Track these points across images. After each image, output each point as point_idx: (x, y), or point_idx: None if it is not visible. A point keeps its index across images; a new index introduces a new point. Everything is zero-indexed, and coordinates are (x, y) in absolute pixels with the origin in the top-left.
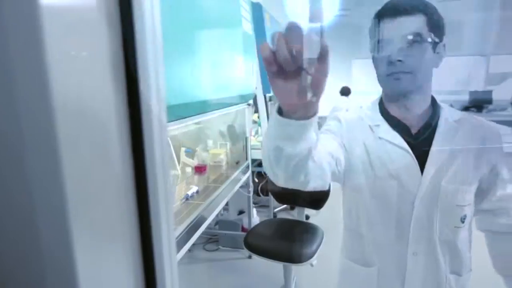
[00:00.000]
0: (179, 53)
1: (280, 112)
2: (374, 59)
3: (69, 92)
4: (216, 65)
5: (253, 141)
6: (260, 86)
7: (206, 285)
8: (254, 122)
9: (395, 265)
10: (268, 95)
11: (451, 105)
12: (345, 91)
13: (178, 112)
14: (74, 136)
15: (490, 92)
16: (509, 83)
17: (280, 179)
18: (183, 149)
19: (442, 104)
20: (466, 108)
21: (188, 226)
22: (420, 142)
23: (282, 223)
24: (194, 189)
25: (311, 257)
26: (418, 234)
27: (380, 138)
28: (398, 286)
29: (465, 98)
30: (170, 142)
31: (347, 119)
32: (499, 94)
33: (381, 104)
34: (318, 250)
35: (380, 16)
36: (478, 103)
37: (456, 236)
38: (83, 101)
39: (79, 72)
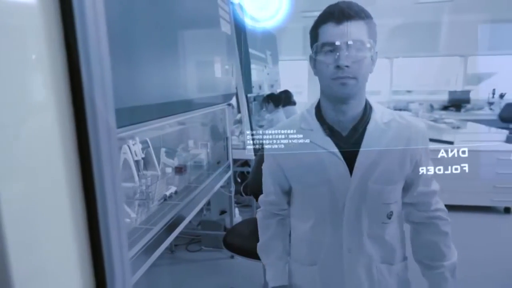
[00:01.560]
0: (153, 54)
1: None
2: (317, 62)
3: (6, 95)
4: (192, 65)
5: (236, 141)
6: (241, 87)
7: (188, 286)
8: (239, 122)
9: (334, 262)
10: (250, 95)
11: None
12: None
13: (151, 112)
14: (11, 139)
15: (468, 92)
16: (487, 84)
17: None
18: (163, 149)
19: (375, 106)
20: (445, 108)
21: (164, 226)
22: (350, 145)
23: None
24: (172, 189)
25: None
26: (350, 232)
27: (311, 142)
28: (338, 281)
29: (445, 97)
30: (149, 142)
31: (278, 129)
32: (477, 94)
33: (317, 108)
34: None
35: (325, 19)
36: (456, 103)
37: (384, 231)
38: (21, 104)
39: (16, 75)
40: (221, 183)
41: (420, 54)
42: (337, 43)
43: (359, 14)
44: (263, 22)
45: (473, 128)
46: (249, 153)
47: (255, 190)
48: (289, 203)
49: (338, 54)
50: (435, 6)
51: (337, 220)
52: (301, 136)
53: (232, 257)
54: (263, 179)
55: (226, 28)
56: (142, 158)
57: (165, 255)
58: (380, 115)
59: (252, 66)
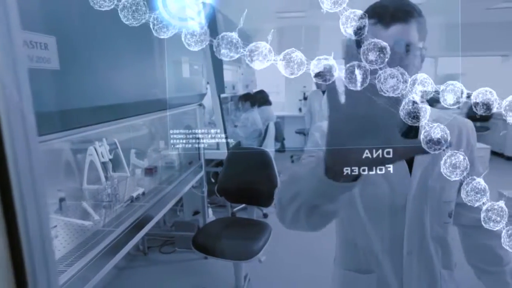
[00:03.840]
0: (118, 55)
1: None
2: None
3: None
4: (158, 66)
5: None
6: (214, 87)
7: None
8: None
9: (392, 268)
10: (222, 95)
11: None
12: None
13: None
14: None
15: (438, 92)
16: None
17: (293, 226)
18: (133, 150)
19: (429, 108)
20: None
21: (127, 228)
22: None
23: (230, 221)
24: (140, 190)
25: (257, 253)
26: (411, 234)
27: None
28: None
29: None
30: (117, 143)
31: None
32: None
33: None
34: (266, 246)
35: (369, 19)
36: (428, 102)
37: (446, 232)
38: None
39: None
40: (192, 183)
41: None
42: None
43: (410, 14)
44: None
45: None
46: (222, 153)
47: (225, 189)
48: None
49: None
50: None
51: (396, 223)
52: None
53: (205, 257)
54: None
55: (195, 28)
56: (110, 160)
57: (138, 257)
58: (436, 116)
59: (226, 66)
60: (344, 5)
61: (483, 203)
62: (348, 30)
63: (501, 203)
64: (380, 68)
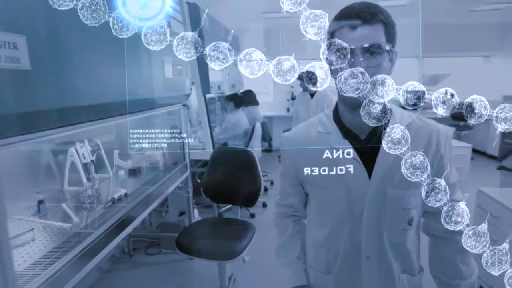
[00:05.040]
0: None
1: None
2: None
3: None
4: (139, 67)
5: (194, 142)
6: (199, 87)
7: None
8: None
9: (352, 271)
10: (209, 95)
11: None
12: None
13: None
14: None
15: (423, 92)
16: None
17: None
18: (116, 151)
19: (395, 109)
20: (403, 107)
21: (107, 229)
22: (368, 148)
23: (214, 222)
24: (122, 191)
25: (240, 253)
26: (369, 238)
27: (329, 146)
28: None
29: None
30: (100, 144)
31: (296, 134)
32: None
33: (336, 111)
34: (249, 246)
35: (340, 21)
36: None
37: (405, 238)
38: None
39: None
40: (176, 184)
41: None
42: (352, 47)
43: (377, 17)
44: (146, 21)
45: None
46: (208, 153)
47: (209, 190)
48: (305, 205)
49: (353, 59)
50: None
51: (355, 226)
52: (319, 139)
53: (191, 258)
54: (280, 183)
55: (178, 28)
56: (92, 161)
57: (123, 259)
58: (399, 117)
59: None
60: (304, 5)
61: (444, 203)
62: (308, 30)
63: (462, 204)
64: (341, 69)
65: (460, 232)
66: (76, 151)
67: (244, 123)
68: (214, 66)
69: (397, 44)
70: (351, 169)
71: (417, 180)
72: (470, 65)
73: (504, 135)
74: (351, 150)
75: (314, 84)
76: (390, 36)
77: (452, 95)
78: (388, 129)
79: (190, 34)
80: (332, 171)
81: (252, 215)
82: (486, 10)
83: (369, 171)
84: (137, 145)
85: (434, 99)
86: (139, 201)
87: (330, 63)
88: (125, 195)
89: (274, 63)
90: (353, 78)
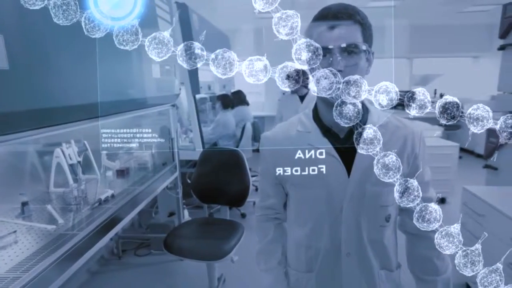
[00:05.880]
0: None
1: None
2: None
3: None
4: (126, 67)
5: (184, 142)
6: (188, 88)
7: None
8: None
9: (332, 268)
10: (199, 96)
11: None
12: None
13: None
14: None
15: (413, 92)
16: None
17: None
18: (104, 152)
19: (372, 109)
20: (393, 107)
21: (92, 231)
22: (347, 147)
23: (202, 222)
24: (109, 193)
25: (228, 252)
26: (349, 235)
27: (309, 144)
28: (336, 287)
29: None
30: (87, 145)
31: (276, 133)
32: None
33: (315, 110)
34: (238, 246)
35: (318, 22)
36: (403, 102)
37: (383, 235)
38: None
39: None
40: (165, 184)
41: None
42: (329, 46)
43: (353, 17)
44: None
45: (415, 125)
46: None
47: (198, 190)
48: (285, 206)
49: (332, 58)
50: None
51: (335, 224)
52: (299, 139)
53: (181, 259)
54: (259, 184)
55: (166, 28)
56: (79, 162)
57: (112, 261)
58: (376, 117)
59: (202, 66)
60: (276, 4)
61: (417, 203)
62: (280, 30)
63: (434, 205)
64: (313, 69)
65: (434, 230)
66: (62, 152)
67: (231, 125)
68: (186, 66)
69: (387, 45)
70: (331, 168)
71: (390, 181)
72: (459, 66)
73: (489, 134)
74: (331, 149)
75: (306, 84)
76: (367, 36)
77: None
78: (360, 130)
79: (162, 34)
80: (312, 170)
81: (243, 215)
82: (474, 11)
83: (348, 169)
84: (108, 145)
85: (406, 100)
86: (126, 202)
87: (304, 63)
88: (112, 196)
89: (246, 63)
90: (326, 78)
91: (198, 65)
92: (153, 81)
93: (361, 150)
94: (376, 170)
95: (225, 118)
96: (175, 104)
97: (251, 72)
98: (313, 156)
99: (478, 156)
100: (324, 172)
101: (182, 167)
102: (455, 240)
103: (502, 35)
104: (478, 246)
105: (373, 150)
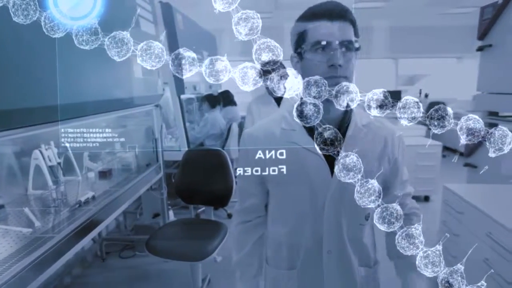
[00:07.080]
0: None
1: None
2: (306, 60)
3: None
4: (107, 67)
5: (170, 143)
6: (173, 88)
7: None
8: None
9: (313, 265)
10: (185, 96)
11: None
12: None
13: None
14: None
15: (399, 92)
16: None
17: None
18: (85, 153)
19: (355, 109)
20: (380, 106)
21: (69, 233)
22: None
23: (185, 223)
24: (89, 194)
25: (211, 253)
26: (330, 233)
27: (293, 143)
28: (318, 285)
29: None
30: (68, 146)
31: (259, 130)
32: (406, 93)
33: (300, 107)
34: (222, 246)
35: (317, 17)
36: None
37: (362, 233)
38: None
39: None
40: (148, 185)
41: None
42: (331, 41)
43: (347, 15)
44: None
45: (400, 124)
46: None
47: (181, 190)
48: (266, 207)
49: (332, 52)
50: (368, 12)
51: (317, 222)
52: (283, 136)
53: (166, 261)
54: (239, 184)
55: (149, 28)
56: (59, 163)
57: (95, 263)
58: (359, 117)
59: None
60: (236, 4)
61: (378, 205)
62: (240, 30)
63: (395, 205)
64: (273, 70)
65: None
66: (41, 153)
67: (220, 123)
68: (146, 65)
69: (374, 46)
70: (315, 166)
71: (351, 181)
72: (444, 66)
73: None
74: (315, 146)
75: (283, 81)
76: (357, 35)
77: (386, 97)
78: (349, 127)
79: (123, 33)
80: (296, 167)
81: (230, 216)
82: (457, 13)
83: (331, 167)
84: (67, 144)
85: (367, 101)
86: (107, 203)
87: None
88: (93, 197)
89: (206, 63)
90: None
91: (159, 66)
92: (135, 81)
93: (321, 151)
94: (336, 170)
95: (213, 117)
96: (159, 104)
97: (211, 72)
98: (297, 154)
99: (461, 154)
100: (308, 170)
101: (168, 167)
102: (416, 241)
103: (480, 37)
104: (439, 247)
105: (333, 151)
